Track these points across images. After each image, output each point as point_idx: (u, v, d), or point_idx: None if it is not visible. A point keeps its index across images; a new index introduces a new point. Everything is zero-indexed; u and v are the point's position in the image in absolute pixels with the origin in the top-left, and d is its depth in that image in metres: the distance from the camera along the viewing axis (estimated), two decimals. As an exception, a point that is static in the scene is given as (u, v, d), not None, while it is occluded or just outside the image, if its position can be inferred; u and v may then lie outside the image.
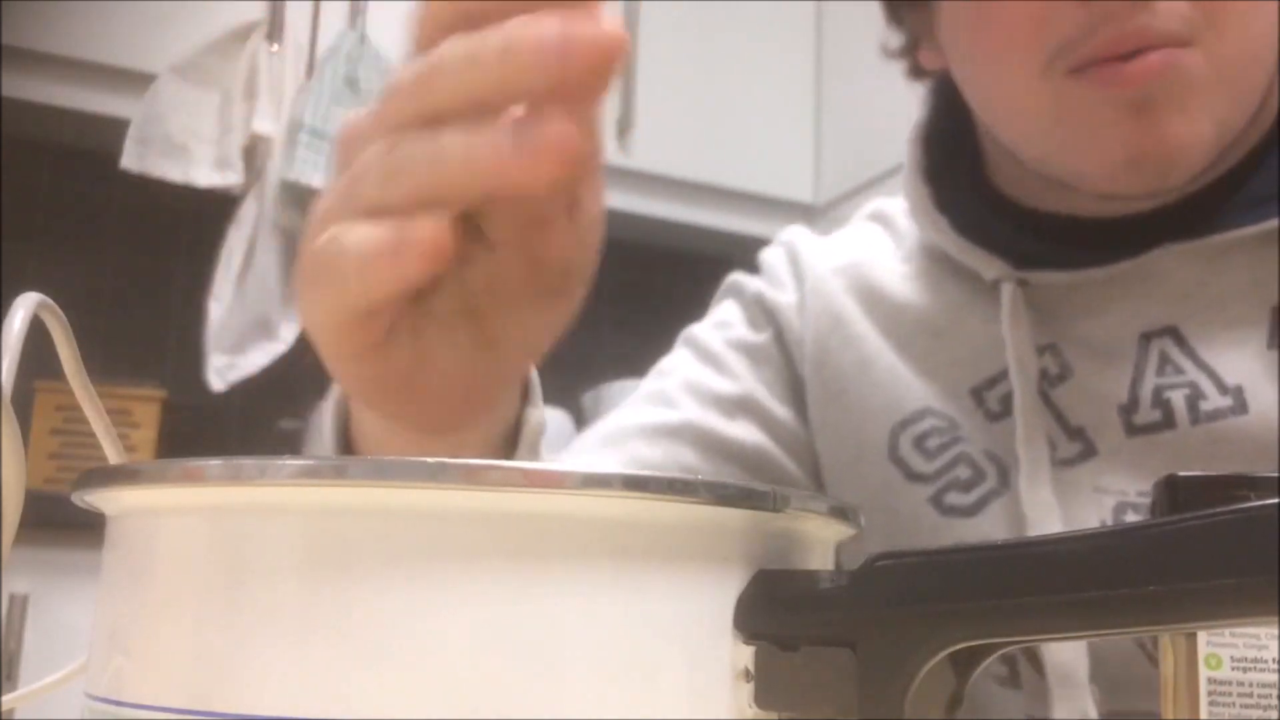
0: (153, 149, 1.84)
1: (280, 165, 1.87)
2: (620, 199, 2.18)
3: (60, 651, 1.45)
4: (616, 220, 2.55)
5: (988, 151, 0.72)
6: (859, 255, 0.76)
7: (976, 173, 0.71)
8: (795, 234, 0.81)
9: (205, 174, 1.86)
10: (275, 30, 1.92)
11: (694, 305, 2.64)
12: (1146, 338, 0.62)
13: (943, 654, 0.23)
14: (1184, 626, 0.22)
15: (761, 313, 0.77)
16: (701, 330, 0.78)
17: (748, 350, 0.76)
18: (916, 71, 0.75)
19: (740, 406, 0.73)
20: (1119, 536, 0.22)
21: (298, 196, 1.89)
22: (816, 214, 2.32)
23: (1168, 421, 0.60)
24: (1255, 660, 0.34)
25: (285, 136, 1.87)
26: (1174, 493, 0.33)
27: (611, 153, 2.16)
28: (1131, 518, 0.61)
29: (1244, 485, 0.32)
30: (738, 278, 0.81)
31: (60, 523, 1.19)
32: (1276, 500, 0.20)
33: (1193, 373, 0.60)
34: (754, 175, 2.28)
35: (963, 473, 0.66)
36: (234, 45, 1.89)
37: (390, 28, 2.00)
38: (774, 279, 0.78)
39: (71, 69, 1.86)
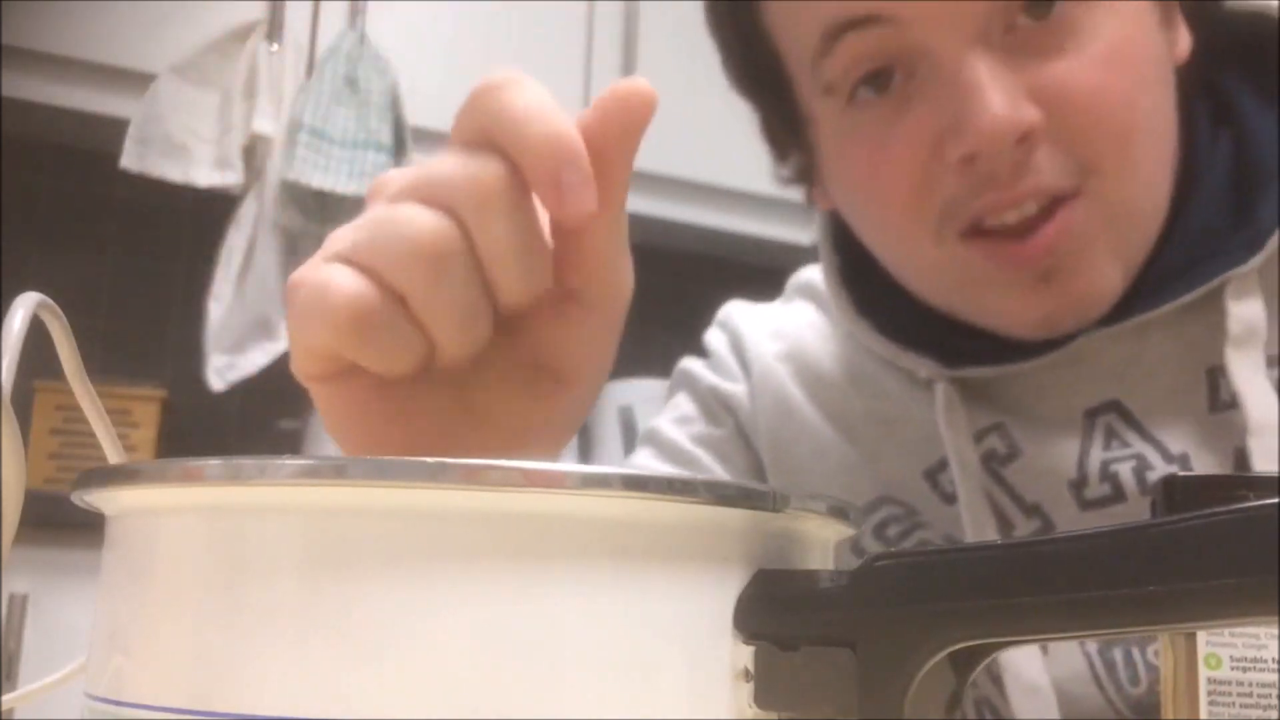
0: (153, 149, 1.84)
1: (280, 165, 1.87)
2: (620, 199, 2.18)
3: (60, 651, 1.45)
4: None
5: None
6: (797, 338, 0.74)
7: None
8: (734, 315, 0.79)
9: (205, 174, 1.86)
10: (275, 30, 1.92)
11: (692, 305, 2.64)
12: (1091, 414, 0.61)
13: (942, 654, 0.23)
14: (1183, 626, 0.22)
15: (718, 406, 0.75)
16: (665, 429, 0.76)
17: (712, 445, 0.74)
18: (811, 203, 0.73)
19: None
20: (1118, 536, 0.22)
21: (297, 196, 1.89)
22: (816, 213, 2.32)
23: (1117, 495, 0.60)
24: (1255, 660, 0.34)
25: (285, 136, 1.87)
26: (1173, 493, 0.33)
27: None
28: None
29: (1242, 485, 0.32)
30: (688, 368, 0.79)
31: (60, 522, 1.19)
32: (1275, 500, 0.20)
33: (1138, 445, 0.60)
34: (753, 175, 2.28)
35: None
36: (234, 45, 1.89)
37: (390, 28, 2.00)
38: (723, 370, 0.76)
39: (71, 69, 1.86)
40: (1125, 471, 0.59)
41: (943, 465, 0.64)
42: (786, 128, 0.68)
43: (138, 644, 0.25)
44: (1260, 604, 0.20)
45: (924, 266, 0.60)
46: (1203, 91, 0.62)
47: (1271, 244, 0.57)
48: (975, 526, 0.61)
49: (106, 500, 0.27)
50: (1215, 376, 0.59)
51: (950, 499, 0.64)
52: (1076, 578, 0.22)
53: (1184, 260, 0.60)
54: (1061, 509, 0.61)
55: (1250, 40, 0.62)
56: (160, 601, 0.25)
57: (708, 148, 2.25)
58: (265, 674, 0.23)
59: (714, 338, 0.79)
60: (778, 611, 0.25)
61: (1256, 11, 0.61)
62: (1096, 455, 0.61)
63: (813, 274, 0.77)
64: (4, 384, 0.27)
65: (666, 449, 0.75)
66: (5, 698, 0.32)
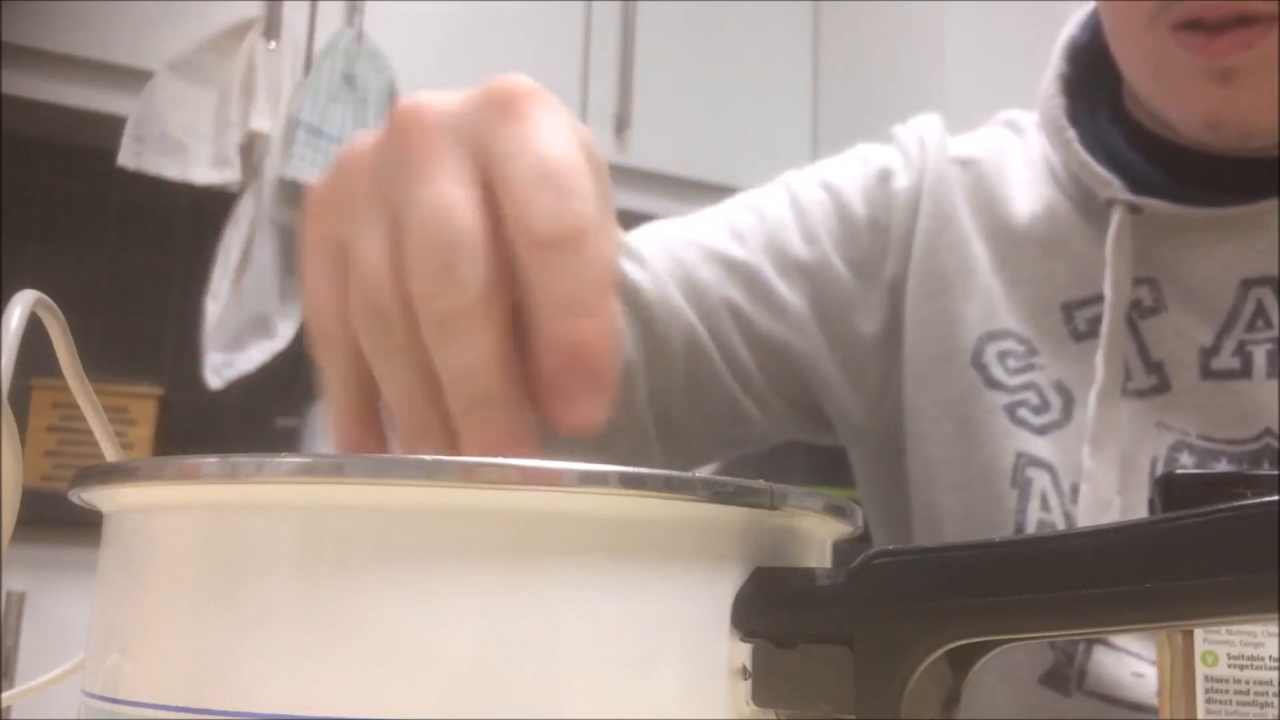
0: (150, 146, 1.84)
1: (278, 163, 1.86)
2: (618, 196, 2.17)
3: (57, 649, 1.45)
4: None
5: (1125, 75, 0.73)
6: (982, 154, 0.76)
7: (1115, 95, 0.73)
8: (925, 121, 0.79)
9: (202, 171, 1.86)
10: (272, 28, 1.92)
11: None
12: (1246, 284, 0.65)
13: (940, 651, 0.23)
14: (1181, 624, 0.22)
15: (880, 192, 0.75)
16: (806, 183, 0.77)
17: (844, 221, 0.74)
18: None
19: (803, 272, 0.72)
20: (1117, 534, 0.22)
21: (295, 194, 1.89)
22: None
23: (1245, 370, 0.63)
24: (1252, 658, 0.34)
25: (282, 134, 1.87)
26: (1171, 491, 0.33)
27: (608, 150, 2.16)
28: (1185, 458, 0.64)
29: (1241, 483, 0.32)
30: (867, 148, 0.79)
31: (57, 520, 1.19)
32: (1274, 498, 0.20)
33: None
34: (752, 173, 2.28)
35: (1032, 398, 0.68)
36: (231, 43, 1.89)
37: (387, 25, 2.00)
38: (902, 155, 0.76)
39: (69, 66, 1.86)
40: (1260, 352, 0.63)
41: (1082, 304, 0.68)
42: None
43: (135, 642, 0.25)
44: (1258, 601, 0.20)
45: (1134, 48, 0.66)
46: None
47: None
48: (1108, 359, 0.64)
49: (104, 498, 0.27)
50: None
51: (1079, 336, 0.67)
52: (1075, 575, 0.22)
53: None
54: (1183, 373, 0.64)
55: None
56: (157, 599, 0.25)
57: (705, 147, 2.25)
58: (262, 672, 0.23)
59: (901, 131, 0.79)
60: (775, 609, 0.25)
61: None
62: (1237, 332, 0.64)
63: (1016, 113, 0.81)
64: (2, 382, 0.27)
65: (795, 202, 0.75)
66: (3, 695, 0.32)
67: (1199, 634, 0.34)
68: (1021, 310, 0.69)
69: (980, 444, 0.68)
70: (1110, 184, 0.67)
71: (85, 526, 0.44)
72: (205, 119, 1.86)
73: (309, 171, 1.84)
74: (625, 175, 2.18)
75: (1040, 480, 0.66)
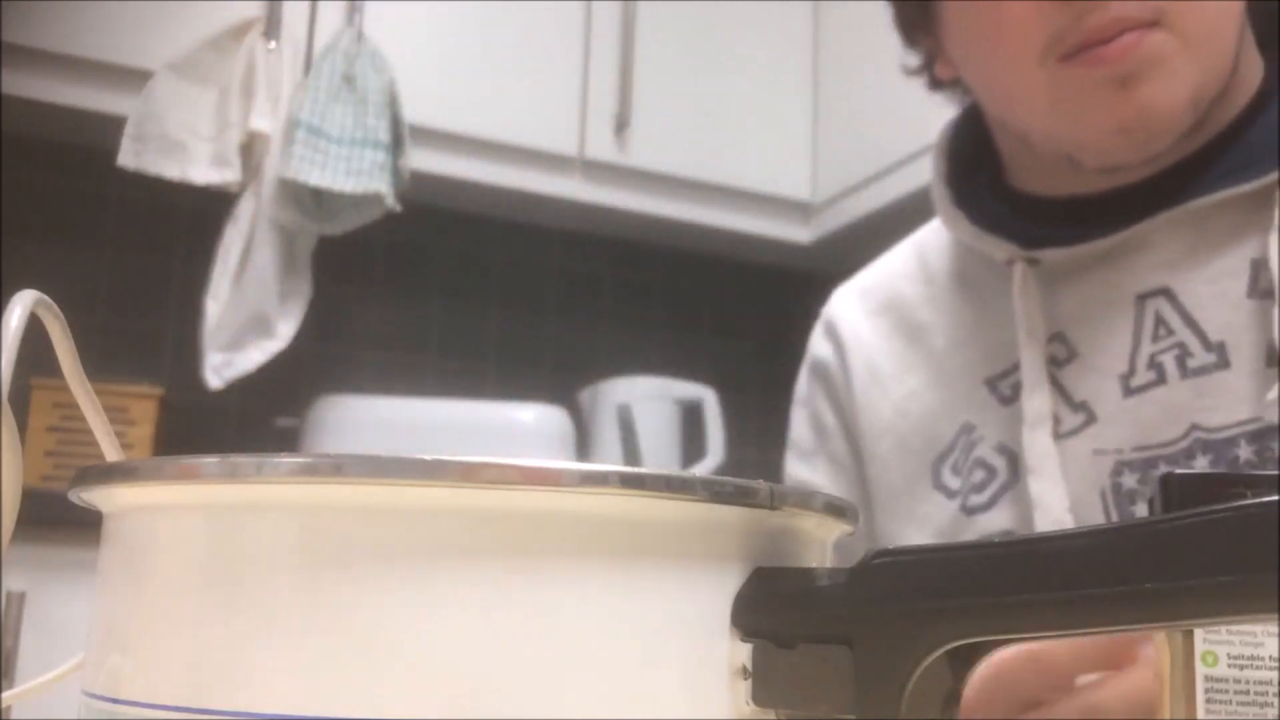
0: (149, 146, 1.84)
1: (277, 163, 1.86)
2: (617, 196, 2.18)
3: (57, 649, 1.45)
4: (613, 218, 2.54)
5: (1002, 151, 0.80)
6: (887, 285, 0.86)
7: (994, 177, 0.80)
8: (830, 303, 0.91)
9: (202, 171, 1.85)
10: (272, 27, 1.92)
11: (691, 303, 2.62)
12: (1142, 299, 0.70)
13: (940, 651, 0.23)
14: (1181, 624, 0.22)
15: (822, 382, 0.89)
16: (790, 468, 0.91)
17: (818, 432, 0.88)
18: (935, 85, 0.85)
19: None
20: (1116, 534, 0.22)
21: (295, 194, 1.89)
22: (814, 212, 2.32)
23: (1160, 379, 0.68)
24: (1252, 658, 0.34)
25: (282, 134, 1.87)
26: (1170, 491, 0.33)
27: (608, 150, 2.16)
28: (1127, 477, 0.68)
29: (1240, 483, 0.32)
30: (812, 336, 0.92)
31: (57, 520, 1.19)
32: (1273, 498, 0.20)
33: (1181, 332, 0.68)
34: (751, 173, 2.28)
35: (977, 476, 0.74)
36: (231, 42, 1.89)
37: (388, 25, 2.00)
38: (829, 334, 0.89)
39: (69, 66, 1.86)
40: (1169, 360, 0.68)
41: (1003, 375, 0.75)
42: (916, 16, 0.80)
43: (135, 642, 0.25)
44: (1257, 601, 0.20)
45: (1028, 88, 0.70)
46: None
47: None
48: (1032, 407, 0.70)
49: (104, 498, 0.27)
50: (1258, 267, 0.67)
51: (1006, 401, 0.74)
52: (1074, 575, 0.22)
53: (1246, 161, 0.69)
54: (1106, 400, 0.70)
55: None
56: (157, 599, 0.25)
57: (705, 147, 2.25)
58: (262, 672, 0.23)
59: (814, 339, 0.92)
60: (775, 609, 0.25)
61: None
62: (1145, 349, 0.69)
63: (918, 233, 0.89)
64: (2, 382, 0.27)
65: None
66: (3, 695, 0.32)
67: (1199, 634, 0.34)
68: (958, 403, 0.77)
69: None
70: (1005, 247, 0.74)
71: (85, 526, 0.44)
72: (205, 119, 1.86)
73: (309, 171, 1.84)
74: (625, 175, 2.18)
75: None
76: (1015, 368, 0.73)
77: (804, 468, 0.89)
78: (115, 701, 0.25)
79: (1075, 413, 0.70)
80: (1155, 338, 0.69)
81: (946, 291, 0.81)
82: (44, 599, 1.48)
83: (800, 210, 2.32)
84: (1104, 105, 0.68)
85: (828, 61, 2.34)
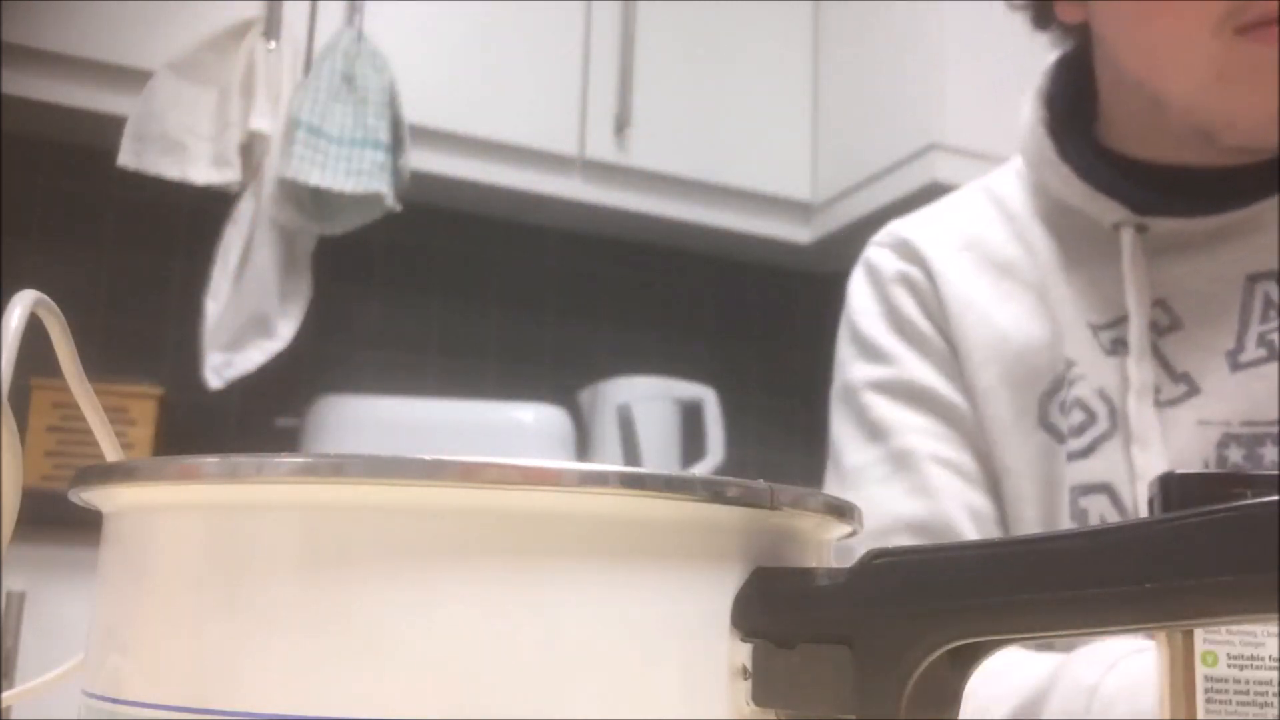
0: (150, 146, 1.84)
1: (277, 163, 1.86)
2: (617, 196, 2.18)
3: (57, 649, 1.45)
4: (614, 218, 2.54)
5: (1106, 111, 0.78)
6: (960, 220, 0.81)
7: (1090, 133, 0.77)
8: (898, 229, 0.83)
9: (202, 171, 1.85)
10: (272, 27, 1.92)
11: (690, 303, 2.62)
12: (1252, 280, 0.69)
13: (940, 651, 0.23)
14: (1181, 624, 0.22)
15: (905, 290, 0.80)
16: (860, 362, 0.80)
17: (923, 346, 0.78)
18: (1043, 23, 0.80)
19: (970, 449, 0.76)
20: (1117, 534, 0.22)
21: (295, 194, 1.89)
22: (814, 212, 2.32)
23: (1271, 355, 0.68)
24: (1252, 658, 0.34)
25: (282, 134, 1.87)
26: (1170, 490, 0.33)
27: (608, 150, 2.16)
28: (1234, 451, 0.67)
29: (1241, 483, 0.32)
30: (871, 259, 0.83)
31: (57, 520, 1.19)
32: (1273, 498, 0.20)
33: None
34: (751, 173, 2.28)
35: (1076, 418, 0.71)
36: (231, 42, 1.89)
37: (388, 25, 2.00)
38: (906, 255, 0.81)
39: (69, 66, 1.86)
40: (1279, 339, 0.68)
41: (1107, 325, 0.72)
42: None
43: (135, 642, 0.25)
44: (1258, 601, 0.20)
45: (1194, 55, 0.68)
46: None
47: None
48: (1138, 365, 0.69)
49: (104, 498, 0.27)
50: None
51: (1110, 352, 0.72)
52: (1074, 575, 0.22)
53: None
54: (1210, 375, 0.69)
55: None
56: (158, 599, 0.25)
57: (705, 147, 2.25)
58: (262, 672, 0.23)
59: (878, 256, 0.83)
60: (775, 609, 0.25)
61: None
62: (1255, 327, 0.69)
63: (980, 181, 0.85)
64: (2, 382, 0.27)
65: (904, 395, 0.78)
66: (3, 695, 0.32)
67: (1199, 634, 0.34)
68: (1058, 338, 0.73)
69: (1059, 503, 0.71)
70: (1115, 209, 0.72)
71: (85, 526, 0.44)
72: (205, 119, 1.86)
73: (309, 171, 1.84)
74: (625, 175, 2.18)
75: (1096, 505, 0.69)
76: (1117, 321, 0.72)
77: (891, 378, 0.78)
78: (115, 701, 0.25)
79: (1176, 383, 0.70)
80: (1264, 318, 0.69)
81: (1040, 239, 0.77)
82: (44, 599, 1.48)
83: (800, 210, 2.32)
84: (1265, 88, 0.66)
85: (828, 61, 2.34)
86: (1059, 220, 0.77)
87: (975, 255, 0.79)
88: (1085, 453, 0.71)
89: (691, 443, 2.15)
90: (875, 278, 0.81)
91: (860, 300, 0.82)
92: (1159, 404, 0.69)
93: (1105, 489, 0.69)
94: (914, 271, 0.80)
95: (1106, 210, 0.73)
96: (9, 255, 1.96)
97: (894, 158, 2.08)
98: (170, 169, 1.84)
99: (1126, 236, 0.71)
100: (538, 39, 2.13)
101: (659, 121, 2.20)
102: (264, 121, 1.86)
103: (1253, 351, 0.68)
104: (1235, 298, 0.70)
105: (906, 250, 0.81)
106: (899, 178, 2.06)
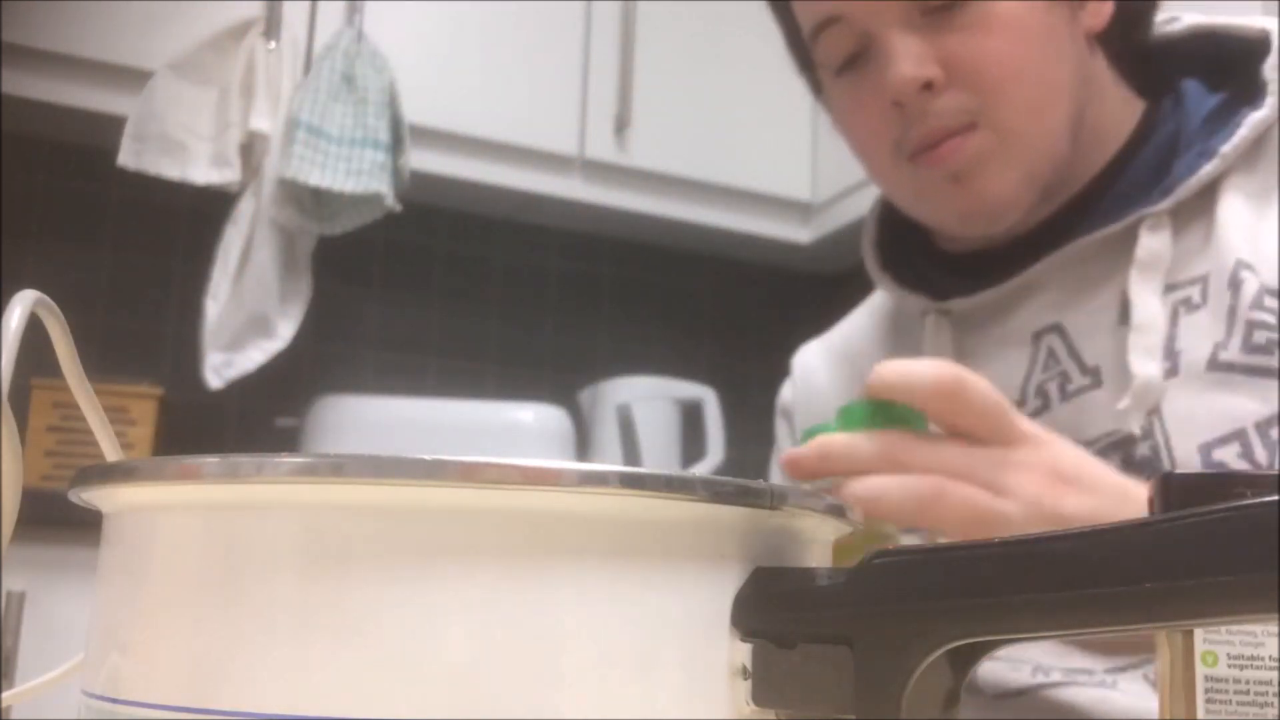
0: (150, 146, 1.84)
1: (277, 162, 1.86)
2: (617, 196, 2.18)
3: (57, 649, 1.45)
4: (614, 218, 2.53)
5: None
6: (841, 334, 0.95)
7: (922, 236, 0.89)
8: (797, 356, 0.98)
9: (202, 171, 1.85)
10: (272, 27, 1.92)
11: (690, 303, 2.62)
12: (1038, 335, 0.78)
13: (940, 651, 0.23)
14: (1181, 624, 0.22)
15: (785, 423, 0.97)
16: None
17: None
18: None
19: None
20: (1116, 534, 0.22)
21: (295, 194, 1.89)
22: (814, 212, 2.32)
23: (1045, 406, 0.77)
24: (1252, 658, 0.34)
25: (282, 134, 1.87)
26: (1170, 490, 0.33)
27: (608, 150, 2.16)
28: None
29: (1241, 483, 0.32)
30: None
31: (57, 520, 1.19)
32: (1273, 498, 0.20)
33: (1065, 361, 0.77)
34: (751, 173, 2.28)
35: None
36: (231, 42, 1.89)
37: (387, 25, 2.00)
38: (790, 381, 0.98)
39: (69, 66, 1.86)
40: (1053, 386, 0.77)
41: None
42: (814, 86, 0.90)
43: (135, 642, 0.25)
44: (1258, 601, 0.20)
45: (890, 182, 0.82)
46: (1168, 87, 0.81)
47: (1179, 191, 0.74)
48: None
49: (104, 498, 0.27)
50: (1126, 297, 0.75)
51: None
52: (1074, 576, 0.22)
53: (1120, 203, 0.77)
54: None
55: (1209, 48, 0.81)
56: (157, 599, 0.25)
57: (705, 147, 2.25)
58: (262, 672, 0.23)
59: (782, 390, 1.00)
60: (775, 609, 0.25)
61: (1215, 29, 0.81)
62: (1036, 378, 0.78)
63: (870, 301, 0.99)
64: (2, 381, 0.27)
65: None
66: (3, 695, 0.32)
67: (1199, 634, 0.34)
68: None
69: None
70: (919, 300, 0.83)
71: (85, 526, 0.44)
72: (205, 119, 1.86)
73: (309, 171, 1.84)
74: (625, 175, 2.18)
75: None
76: None
77: None
78: (115, 701, 0.25)
79: None
80: (1045, 369, 0.77)
81: (886, 334, 0.90)
82: (44, 599, 1.48)
83: (800, 210, 2.32)
84: (944, 198, 0.77)
85: (828, 61, 2.33)
86: (895, 315, 0.89)
87: (833, 355, 0.94)
88: None
89: (691, 443, 2.15)
90: (776, 410, 0.99)
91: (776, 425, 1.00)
92: None
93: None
94: (785, 394, 0.97)
95: (914, 302, 0.84)
96: (9, 255, 1.96)
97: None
98: (170, 169, 1.84)
99: (929, 322, 0.82)
100: (538, 39, 2.13)
101: (659, 121, 2.20)
102: (264, 121, 1.86)
103: (1031, 403, 0.77)
104: (1024, 355, 0.78)
105: (791, 381, 0.98)
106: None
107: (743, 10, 2.31)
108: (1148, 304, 0.73)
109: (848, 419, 0.61)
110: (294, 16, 1.96)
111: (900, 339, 0.87)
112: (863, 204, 2.16)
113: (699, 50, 2.27)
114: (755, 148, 2.29)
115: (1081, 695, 0.73)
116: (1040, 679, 0.75)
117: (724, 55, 2.29)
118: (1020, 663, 0.76)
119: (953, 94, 0.74)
